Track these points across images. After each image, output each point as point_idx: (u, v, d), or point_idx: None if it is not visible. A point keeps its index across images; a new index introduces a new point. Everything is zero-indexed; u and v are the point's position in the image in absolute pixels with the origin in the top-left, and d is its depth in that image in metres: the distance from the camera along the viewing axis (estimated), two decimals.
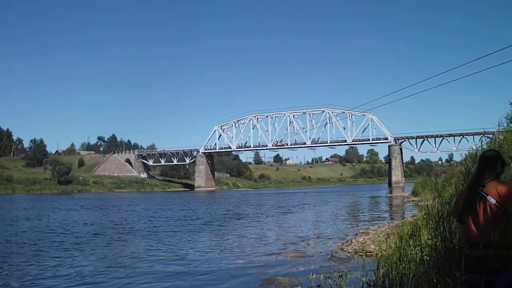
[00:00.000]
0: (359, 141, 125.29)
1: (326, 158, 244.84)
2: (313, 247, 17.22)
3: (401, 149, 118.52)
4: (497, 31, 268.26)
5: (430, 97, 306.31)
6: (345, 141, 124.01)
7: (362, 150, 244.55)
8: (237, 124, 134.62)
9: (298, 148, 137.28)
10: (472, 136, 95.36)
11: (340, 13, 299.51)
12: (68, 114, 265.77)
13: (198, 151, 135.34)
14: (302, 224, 27.52)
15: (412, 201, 39.67)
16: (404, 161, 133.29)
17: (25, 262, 15.41)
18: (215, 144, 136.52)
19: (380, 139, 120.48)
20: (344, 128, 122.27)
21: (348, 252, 14.97)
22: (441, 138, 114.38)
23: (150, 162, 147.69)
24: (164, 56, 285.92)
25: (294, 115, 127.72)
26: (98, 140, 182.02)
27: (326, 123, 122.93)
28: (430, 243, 7.81)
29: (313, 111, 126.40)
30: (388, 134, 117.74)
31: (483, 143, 13.47)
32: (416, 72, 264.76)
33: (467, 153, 16.15)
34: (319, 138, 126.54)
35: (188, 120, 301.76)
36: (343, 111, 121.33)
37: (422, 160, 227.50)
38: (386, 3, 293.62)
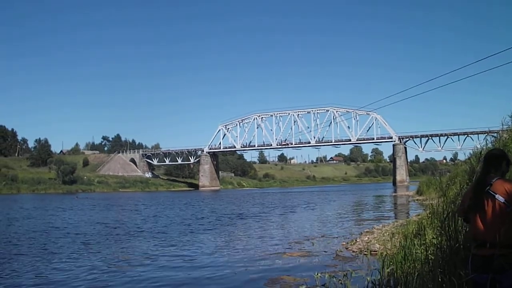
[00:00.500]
0: (364, 140, 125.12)
1: (331, 157, 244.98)
2: (318, 246, 17.22)
3: (405, 148, 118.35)
4: (499, 31, 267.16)
5: (435, 96, 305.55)
6: (350, 140, 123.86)
7: (367, 149, 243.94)
8: (241, 123, 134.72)
9: (303, 148, 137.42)
10: (476, 135, 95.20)
11: (344, 13, 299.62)
12: (73, 114, 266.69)
13: (203, 151, 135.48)
14: (307, 223, 27.53)
15: (417, 200, 39.60)
16: (409, 160, 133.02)
17: (34, 261, 15.49)
18: (220, 143, 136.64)
19: (384, 138, 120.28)
20: (348, 127, 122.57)
21: (353, 251, 14.98)
22: (446, 137, 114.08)
23: (155, 162, 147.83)
24: (170, 56, 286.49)
25: (298, 114, 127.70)
26: (102, 140, 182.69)
27: (331, 122, 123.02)
28: (435, 242, 7.80)
29: (317, 110, 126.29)
30: (393, 133, 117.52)
31: (487, 142, 13.42)
32: (419, 72, 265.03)
33: (471, 152, 16.13)
34: (323, 137, 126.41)
35: (193, 120, 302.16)
36: (348, 110, 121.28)
37: (426, 159, 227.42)
38: (390, 3, 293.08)
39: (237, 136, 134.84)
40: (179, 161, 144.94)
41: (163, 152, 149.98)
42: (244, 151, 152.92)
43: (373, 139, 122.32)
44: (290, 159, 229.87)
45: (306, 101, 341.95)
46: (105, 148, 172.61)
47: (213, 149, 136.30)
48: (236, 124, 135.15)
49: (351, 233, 20.66)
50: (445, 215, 6.84)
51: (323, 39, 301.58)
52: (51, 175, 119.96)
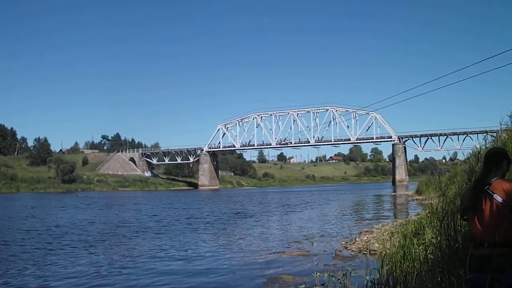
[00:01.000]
0: (363, 139, 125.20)
1: (330, 157, 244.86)
2: (317, 246, 17.23)
3: (405, 147, 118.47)
4: (501, 31, 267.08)
5: (434, 96, 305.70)
6: (349, 139, 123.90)
7: (366, 148, 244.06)
8: (241, 122, 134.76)
9: (302, 147, 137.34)
10: (476, 135, 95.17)
11: (344, 12, 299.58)
12: (72, 113, 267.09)
13: (202, 150, 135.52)
14: (306, 222, 27.53)
15: (416, 199, 39.63)
16: (408, 160, 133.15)
17: (36, 261, 15.46)
18: (219, 142, 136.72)
19: (384, 137, 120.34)
20: (348, 126, 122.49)
21: (352, 251, 14.99)
22: (445, 136, 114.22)
23: (154, 161, 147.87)
24: (168, 55, 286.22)
25: (298, 114, 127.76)
26: (102, 139, 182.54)
27: (330, 122, 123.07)
28: (434, 242, 7.82)
29: (317, 109, 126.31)
30: (392, 133, 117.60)
31: (487, 141, 13.43)
32: (419, 71, 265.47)
33: (471, 152, 16.12)
34: (323, 136, 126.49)
35: (192, 119, 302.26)
36: (347, 109, 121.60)
37: (426, 158, 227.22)
38: (390, 2, 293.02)
39: (236, 136, 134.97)
40: (179, 160, 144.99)
41: (162, 151, 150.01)
42: (244, 151, 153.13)
43: (373, 138, 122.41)
44: (290, 158, 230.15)
45: (305, 101, 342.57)
46: (105, 147, 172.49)
47: (212, 148, 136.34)
48: (236, 124, 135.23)
49: (350, 232, 20.67)
50: (444, 215, 6.85)
51: (323, 39, 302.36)
52: (50, 174, 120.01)
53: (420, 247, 8.07)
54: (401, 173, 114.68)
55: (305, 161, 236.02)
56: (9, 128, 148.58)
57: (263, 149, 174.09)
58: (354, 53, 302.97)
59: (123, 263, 14.90)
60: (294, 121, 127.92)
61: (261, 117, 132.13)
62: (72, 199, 66.60)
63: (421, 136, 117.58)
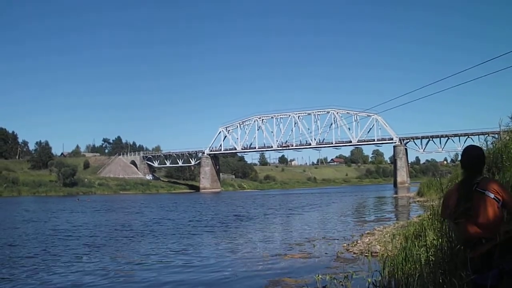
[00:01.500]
0: (364, 141, 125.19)
1: (331, 159, 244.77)
2: (319, 248, 17.22)
3: (406, 149, 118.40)
4: (504, 32, 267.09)
5: (435, 97, 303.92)
6: (350, 141, 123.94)
7: (367, 150, 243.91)
8: (242, 125, 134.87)
9: (303, 149, 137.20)
10: (477, 136, 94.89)
11: (346, 14, 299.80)
12: (73, 116, 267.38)
13: (203, 153, 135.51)
14: (308, 225, 27.50)
15: (418, 201, 39.58)
16: (409, 162, 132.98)
17: (39, 265, 15.48)
18: (220, 145, 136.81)
19: (385, 139, 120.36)
20: (349, 128, 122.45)
21: (354, 253, 14.98)
22: (446, 138, 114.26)
23: (155, 164, 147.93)
24: (169, 58, 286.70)
25: (299, 116, 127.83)
26: (103, 142, 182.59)
27: (331, 124, 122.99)
28: (436, 243, 7.81)
29: (318, 112, 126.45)
30: (393, 135, 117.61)
31: (488, 143, 13.43)
32: (421, 72, 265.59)
33: None
34: (324, 139, 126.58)
35: (193, 122, 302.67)
36: (348, 111, 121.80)
37: (427, 160, 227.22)
38: (392, 3, 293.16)
39: (237, 138, 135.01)
40: (180, 163, 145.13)
41: (163, 154, 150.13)
42: (245, 153, 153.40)
43: (374, 140, 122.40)
44: (291, 160, 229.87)
45: (306, 103, 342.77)
46: (106, 151, 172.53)
47: (213, 151, 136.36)
48: (237, 126, 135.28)
49: (352, 234, 20.65)
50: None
51: (324, 40, 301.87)
52: (51, 178, 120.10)
53: (422, 249, 8.05)
54: (402, 175, 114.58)
55: (306, 163, 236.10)
56: (10, 131, 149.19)
57: (264, 152, 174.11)
58: (355, 55, 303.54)
59: (125, 266, 14.90)
60: (295, 123, 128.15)
61: (262, 119, 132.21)
62: (73, 203, 66.59)
63: (422, 137, 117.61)
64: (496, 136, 16.50)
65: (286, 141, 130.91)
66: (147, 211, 44.81)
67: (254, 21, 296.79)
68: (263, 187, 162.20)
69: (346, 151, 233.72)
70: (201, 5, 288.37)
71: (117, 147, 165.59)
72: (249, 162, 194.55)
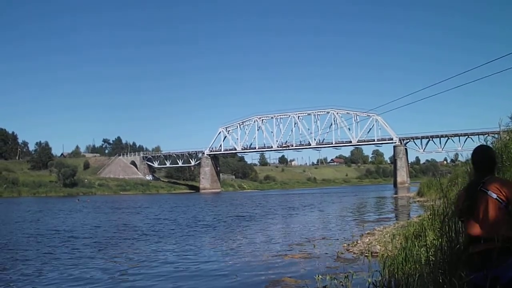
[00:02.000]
0: (364, 141, 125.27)
1: (331, 159, 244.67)
2: (319, 248, 17.23)
3: (406, 149, 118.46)
4: (506, 33, 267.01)
5: (435, 97, 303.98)
6: (350, 142, 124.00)
7: (367, 150, 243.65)
8: (242, 125, 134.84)
9: (303, 149, 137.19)
10: (477, 136, 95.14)
11: (346, 14, 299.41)
12: (73, 117, 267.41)
13: (203, 153, 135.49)
14: (308, 225, 27.52)
15: (418, 201, 39.59)
16: (409, 162, 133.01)
17: (41, 266, 15.54)
18: (220, 145, 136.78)
19: (385, 139, 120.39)
20: (349, 129, 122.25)
21: (354, 253, 14.99)
22: (446, 138, 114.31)
23: (155, 164, 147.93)
24: (169, 58, 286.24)
25: (299, 116, 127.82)
26: (103, 143, 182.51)
27: (331, 124, 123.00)
28: (436, 243, 7.81)
29: (318, 112, 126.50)
30: (393, 135, 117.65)
31: (488, 143, 13.45)
32: (421, 73, 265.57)
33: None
34: (324, 139, 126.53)
35: (193, 122, 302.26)
36: (348, 112, 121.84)
37: (427, 160, 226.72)
38: (392, 3, 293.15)
39: (237, 139, 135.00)
40: (180, 164, 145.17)
41: (163, 155, 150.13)
42: (245, 154, 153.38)
43: (374, 140, 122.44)
44: (291, 161, 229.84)
45: (306, 103, 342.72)
46: (106, 151, 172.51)
47: (213, 151, 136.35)
48: (237, 126, 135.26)
49: (352, 234, 20.65)
50: (445, 216, 6.86)
51: (324, 40, 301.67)
52: (52, 178, 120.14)
53: (422, 249, 8.07)
54: (402, 175, 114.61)
55: (306, 163, 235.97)
56: (10, 132, 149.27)
57: (264, 152, 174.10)
58: (355, 55, 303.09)
59: (126, 267, 14.92)
60: (295, 123, 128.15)
61: (262, 120, 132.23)
62: (73, 203, 66.59)
63: (422, 137, 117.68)
64: (496, 136, 16.51)
65: (286, 141, 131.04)
66: (147, 212, 44.85)
67: (254, 21, 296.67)
68: (263, 187, 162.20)
69: (346, 151, 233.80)
70: (201, 5, 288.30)
71: (117, 147, 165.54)
72: (249, 162, 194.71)
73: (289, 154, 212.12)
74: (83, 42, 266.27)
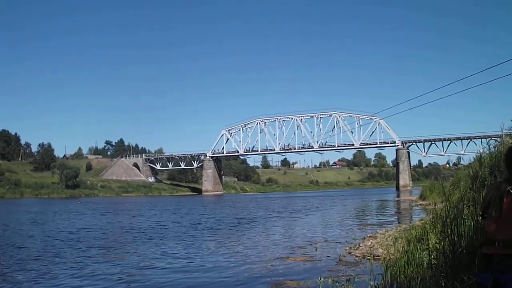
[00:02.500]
0: (367, 145, 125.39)
1: (334, 162, 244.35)
2: (321, 251, 17.22)
3: (408, 152, 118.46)
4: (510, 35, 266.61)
5: (438, 101, 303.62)
6: (353, 145, 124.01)
7: (370, 154, 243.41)
8: (244, 128, 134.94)
9: (306, 152, 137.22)
10: (479, 140, 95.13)
11: (349, 16, 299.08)
12: (76, 118, 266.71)
13: (206, 155, 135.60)
14: (310, 228, 27.51)
15: (420, 204, 39.48)
16: (412, 165, 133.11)
17: (44, 268, 15.57)
18: (223, 148, 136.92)
19: (387, 142, 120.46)
20: (351, 132, 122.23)
21: (356, 256, 14.97)
22: (449, 141, 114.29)
23: (158, 166, 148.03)
24: (173, 59, 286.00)
25: (301, 119, 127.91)
26: (105, 145, 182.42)
27: (334, 127, 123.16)
28: (438, 247, 7.81)
29: (320, 115, 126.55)
30: (396, 138, 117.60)
31: (490, 146, 13.42)
32: (424, 75, 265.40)
33: (474, 157, 16.10)
34: (326, 142, 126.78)
35: (196, 124, 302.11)
36: (351, 115, 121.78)
37: (429, 163, 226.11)
38: (396, 6, 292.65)
39: (240, 141, 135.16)
40: (182, 166, 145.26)
41: (166, 157, 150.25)
42: (247, 156, 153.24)
43: (376, 143, 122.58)
44: (293, 163, 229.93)
45: (309, 106, 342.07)
46: (108, 153, 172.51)
47: (216, 153, 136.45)
48: (239, 129, 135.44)
49: (354, 238, 20.64)
50: (448, 220, 6.86)
51: (327, 43, 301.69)
52: (54, 180, 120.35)
53: (424, 253, 8.07)
54: (404, 178, 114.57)
55: (308, 166, 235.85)
56: (13, 133, 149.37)
57: (266, 155, 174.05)
58: (358, 58, 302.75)
59: (129, 268, 14.94)
60: (297, 126, 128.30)
61: (265, 122, 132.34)
62: (75, 205, 66.56)
63: (425, 141, 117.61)
64: (499, 139, 16.50)
65: (289, 144, 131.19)
66: (150, 214, 44.88)
67: (258, 24, 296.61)
68: (265, 190, 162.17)
69: (348, 154, 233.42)
70: (204, 6, 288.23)
71: (120, 149, 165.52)
72: (251, 165, 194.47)
73: (291, 157, 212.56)
74: (86, 43, 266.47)
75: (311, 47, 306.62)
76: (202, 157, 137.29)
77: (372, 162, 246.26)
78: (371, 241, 17.65)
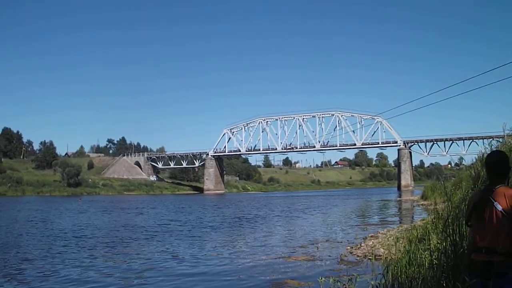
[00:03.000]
0: (369, 144, 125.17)
1: (336, 162, 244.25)
2: (323, 251, 17.23)
3: (410, 152, 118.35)
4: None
5: (440, 101, 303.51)
6: (355, 144, 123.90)
7: (372, 153, 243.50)
8: (246, 127, 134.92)
9: (307, 152, 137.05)
10: (481, 140, 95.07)
11: (351, 16, 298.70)
12: (78, 117, 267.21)
13: (208, 154, 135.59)
14: (312, 227, 27.52)
15: (422, 204, 39.50)
16: (414, 165, 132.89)
17: (45, 267, 15.63)
18: (225, 147, 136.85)
19: (389, 142, 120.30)
20: (353, 131, 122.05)
21: (358, 256, 14.97)
22: (451, 142, 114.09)
23: (160, 165, 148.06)
24: (174, 58, 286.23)
25: (303, 119, 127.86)
26: (107, 143, 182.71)
27: (336, 127, 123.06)
28: (440, 247, 7.80)
29: (322, 114, 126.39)
30: (398, 138, 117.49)
31: (492, 147, 13.44)
32: (425, 75, 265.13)
33: (476, 157, 16.11)
34: (328, 141, 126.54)
35: (198, 123, 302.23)
36: (353, 114, 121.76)
37: (431, 163, 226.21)
38: (399, 6, 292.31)
39: (242, 140, 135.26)
40: (184, 165, 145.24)
41: (168, 156, 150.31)
42: (249, 155, 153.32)
43: (378, 143, 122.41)
44: (295, 163, 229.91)
45: (311, 105, 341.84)
46: (110, 151, 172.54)
47: (218, 152, 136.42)
48: (241, 128, 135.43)
49: (355, 237, 20.65)
50: (449, 220, 6.86)
51: (329, 42, 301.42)
52: (56, 178, 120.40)
53: (425, 253, 8.06)
54: (406, 178, 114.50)
55: (310, 166, 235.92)
56: (15, 131, 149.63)
57: (268, 154, 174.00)
58: (360, 58, 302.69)
59: (130, 267, 14.97)
60: (299, 126, 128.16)
61: (267, 121, 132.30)
62: (75, 203, 66.52)
63: (427, 141, 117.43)
64: (501, 140, 16.49)
65: (291, 143, 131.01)
66: (152, 213, 44.92)
67: (259, 23, 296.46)
68: (267, 189, 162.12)
69: (350, 154, 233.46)
70: (206, 5, 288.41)
71: (121, 147, 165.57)
72: (253, 164, 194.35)
73: (293, 156, 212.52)
74: (89, 42, 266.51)
75: (313, 46, 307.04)
76: (204, 156, 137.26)
77: (374, 162, 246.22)
78: (372, 240, 17.65)
